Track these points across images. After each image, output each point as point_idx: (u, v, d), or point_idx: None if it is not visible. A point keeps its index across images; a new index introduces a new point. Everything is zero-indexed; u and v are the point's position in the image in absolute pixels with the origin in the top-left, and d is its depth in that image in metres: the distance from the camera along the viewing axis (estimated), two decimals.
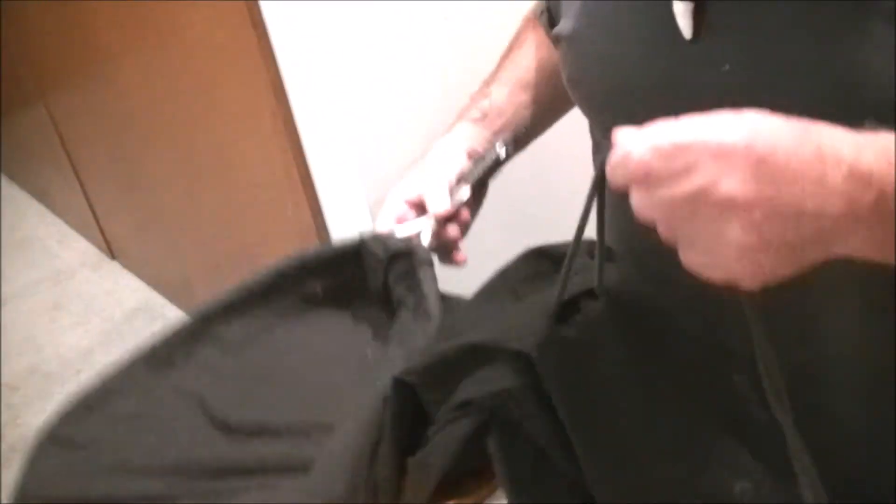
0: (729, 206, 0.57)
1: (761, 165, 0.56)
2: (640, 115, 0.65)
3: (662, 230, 0.61)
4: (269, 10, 1.54)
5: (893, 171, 0.58)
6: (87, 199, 2.94)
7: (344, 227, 1.76)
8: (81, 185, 2.91)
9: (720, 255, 0.59)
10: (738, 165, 0.57)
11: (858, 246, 0.60)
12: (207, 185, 2.17)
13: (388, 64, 1.57)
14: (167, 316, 2.79)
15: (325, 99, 1.53)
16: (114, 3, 2.02)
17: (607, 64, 0.84)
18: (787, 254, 0.59)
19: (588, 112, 0.91)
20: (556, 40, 0.93)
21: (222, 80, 1.81)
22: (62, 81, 2.63)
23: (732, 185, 0.56)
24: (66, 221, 3.31)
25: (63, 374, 2.66)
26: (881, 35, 0.68)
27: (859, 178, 0.57)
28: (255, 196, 1.97)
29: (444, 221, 0.99)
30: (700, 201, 0.58)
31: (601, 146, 0.73)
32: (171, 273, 2.76)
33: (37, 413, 2.52)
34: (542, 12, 1.04)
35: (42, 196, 3.45)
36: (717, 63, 0.75)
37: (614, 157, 0.60)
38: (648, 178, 0.59)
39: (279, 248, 1.99)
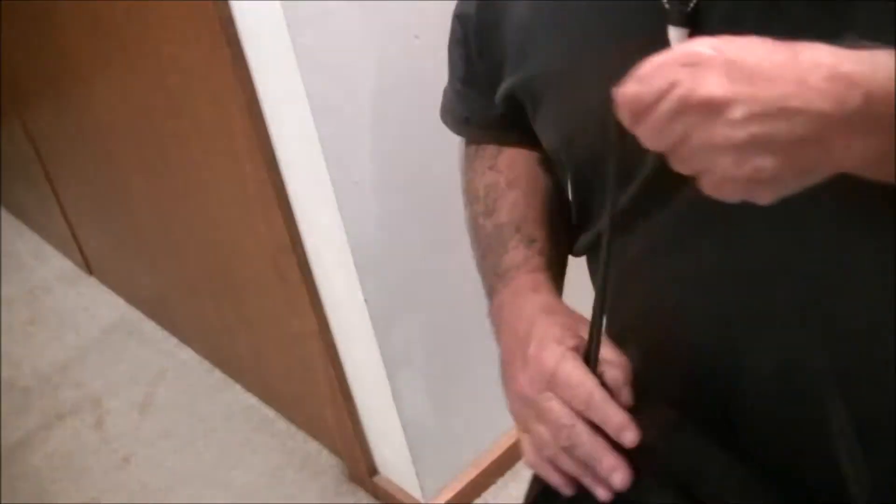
0: (709, 107, 0.59)
1: (733, 66, 0.59)
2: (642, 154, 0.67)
3: (674, 161, 0.64)
4: (243, 29, 1.55)
5: (879, 76, 0.59)
6: (64, 215, 2.94)
7: (318, 243, 1.78)
8: (58, 200, 2.91)
9: (719, 164, 0.61)
10: (711, 69, 0.59)
11: (861, 155, 0.61)
12: (182, 201, 2.18)
13: (363, 83, 1.58)
14: (144, 331, 2.80)
15: (299, 116, 1.54)
16: (89, 21, 2.03)
17: (601, 107, 0.83)
18: (786, 155, 0.60)
19: (585, 165, 0.89)
20: (532, 102, 0.91)
21: (196, 98, 1.82)
22: (39, 98, 2.63)
23: (708, 86, 0.59)
24: (43, 237, 3.31)
25: (40, 389, 2.66)
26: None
27: (841, 78, 0.59)
28: (230, 212, 1.98)
29: None
30: (685, 112, 0.60)
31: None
32: (148, 289, 2.76)
33: (14, 428, 2.53)
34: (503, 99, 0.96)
35: (19, 212, 3.44)
36: None
37: (616, 101, 0.64)
38: (640, 106, 0.62)
39: (254, 264, 2.00)
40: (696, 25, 0.74)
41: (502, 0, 0.90)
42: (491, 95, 0.96)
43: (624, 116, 0.64)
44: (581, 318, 0.84)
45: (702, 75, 0.60)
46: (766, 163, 0.60)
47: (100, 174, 2.53)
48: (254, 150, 1.68)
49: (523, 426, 0.83)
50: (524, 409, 0.82)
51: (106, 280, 3.01)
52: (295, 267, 1.82)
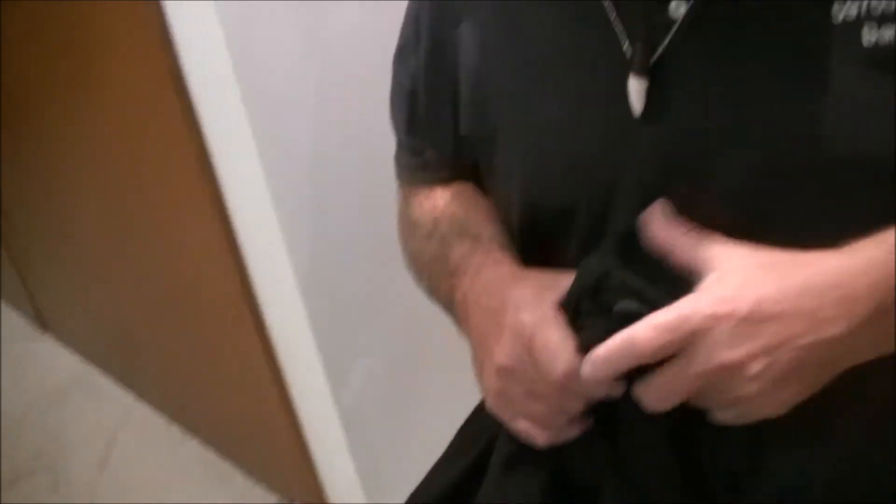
0: (726, 371, 0.63)
1: (746, 322, 0.63)
2: (597, 201, 0.71)
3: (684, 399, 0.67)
4: (193, 79, 1.55)
5: (878, 280, 0.64)
6: (17, 269, 2.91)
7: (271, 294, 1.77)
8: (10, 253, 2.89)
9: (744, 409, 0.66)
10: (724, 331, 0.63)
11: (863, 355, 0.67)
12: (136, 254, 2.17)
13: (311, 122, 1.58)
14: (101, 386, 2.76)
15: (247, 154, 1.54)
16: (37, 61, 2.03)
17: (560, 148, 0.83)
18: (803, 380, 0.65)
19: (544, 215, 0.87)
20: (484, 143, 0.90)
21: (147, 139, 1.81)
22: None
23: (721, 352, 0.63)
24: None
25: None
26: (845, 89, 0.70)
27: (849, 298, 0.64)
28: (184, 265, 1.98)
29: None
30: (703, 376, 0.64)
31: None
32: (104, 343, 2.73)
33: None
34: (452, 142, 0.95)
35: None
36: (669, 141, 0.76)
37: (628, 342, 0.66)
38: (651, 358, 0.65)
39: (209, 318, 1.99)
40: (658, 76, 0.75)
41: (452, 42, 0.90)
42: (441, 142, 0.95)
43: (628, 358, 0.66)
44: (556, 275, 0.81)
45: (717, 338, 0.63)
46: (787, 393, 0.65)
47: (52, 225, 2.51)
48: (205, 201, 1.68)
49: (509, 414, 0.82)
50: (507, 386, 0.80)
51: (62, 336, 2.97)
52: (249, 319, 1.81)
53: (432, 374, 1.89)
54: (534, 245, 0.89)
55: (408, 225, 1.01)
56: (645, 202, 0.76)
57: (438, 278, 0.94)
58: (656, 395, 0.66)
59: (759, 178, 0.73)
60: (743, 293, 0.64)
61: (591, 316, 0.74)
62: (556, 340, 0.74)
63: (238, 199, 1.67)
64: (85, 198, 2.26)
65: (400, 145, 1.02)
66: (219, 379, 2.19)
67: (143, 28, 1.56)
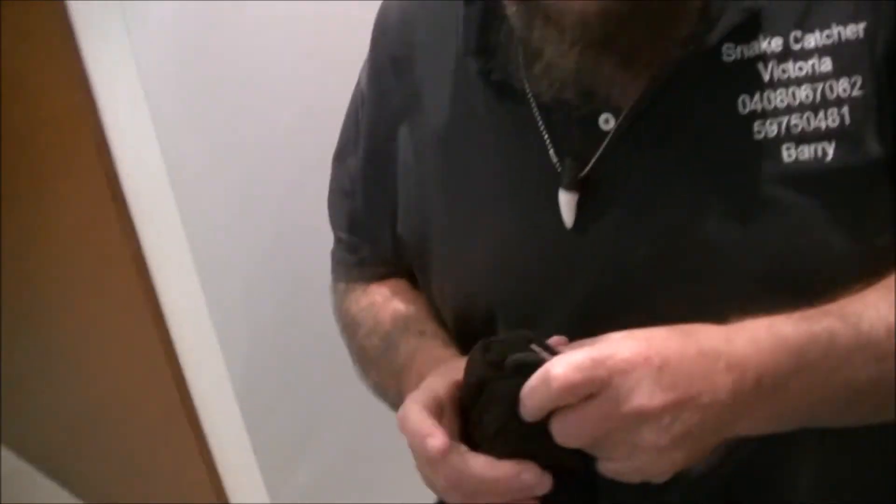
0: (640, 417, 0.63)
1: (662, 373, 0.63)
2: (527, 306, 0.72)
3: (583, 445, 0.66)
4: (128, 186, 1.55)
5: (764, 356, 0.65)
6: None
7: (206, 395, 1.75)
8: None
9: (639, 460, 0.64)
10: (643, 377, 0.63)
11: (753, 424, 0.67)
12: (68, 355, 2.15)
13: (248, 236, 1.58)
14: (37, 482, 2.70)
15: (185, 274, 1.54)
16: None
17: (492, 259, 0.84)
18: (695, 444, 0.65)
19: (469, 309, 0.88)
20: (419, 249, 0.91)
21: (82, 250, 1.81)
22: None
23: (641, 397, 0.62)
24: None
25: None
26: (770, 206, 0.73)
27: (737, 366, 0.64)
28: (119, 368, 1.96)
29: None
30: (614, 417, 0.63)
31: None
32: (39, 442, 2.68)
33: None
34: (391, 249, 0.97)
35: None
36: (599, 253, 0.77)
37: (532, 383, 0.64)
38: (568, 397, 0.63)
39: (144, 417, 1.96)
40: (589, 188, 0.77)
41: (391, 145, 0.91)
42: (380, 242, 0.96)
43: (543, 395, 0.65)
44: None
45: (635, 385, 0.63)
46: (679, 454, 0.64)
47: None
48: (140, 305, 1.66)
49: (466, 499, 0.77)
50: (429, 479, 0.75)
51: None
52: (183, 417, 1.78)
53: (375, 474, 1.87)
54: (467, 343, 0.87)
55: (348, 323, 1.00)
56: (574, 311, 0.78)
57: (385, 377, 0.93)
58: (567, 431, 0.65)
59: (684, 290, 0.75)
60: (652, 347, 0.64)
61: (489, 388, 0.70)
62: (414, 421, 0.69)
63: (175, 307, 1.67)
64: (12, 305, 2.25)
65: (338, 242, 1.03)
66: (153, 477, 2.16)
67: (82, 147, 1.57)
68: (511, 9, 0.76)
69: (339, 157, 0.99)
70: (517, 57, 0.78)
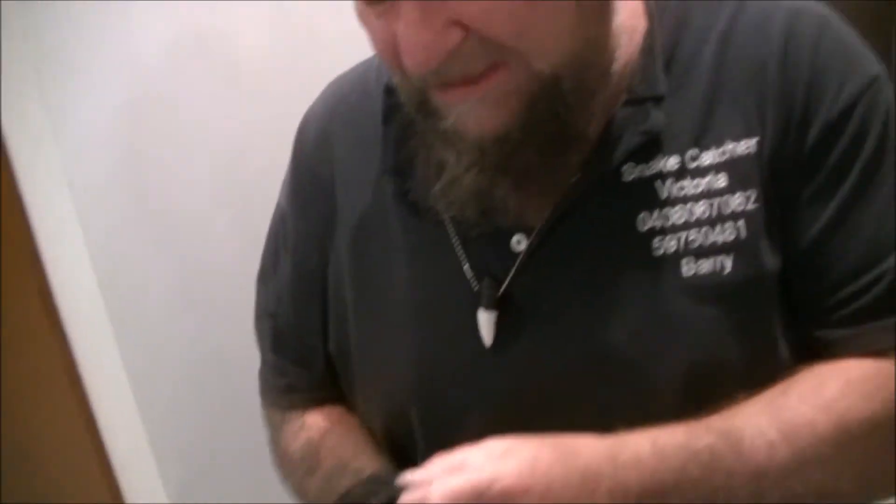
0: None
1: (544, 499, 0.65)
2: (449, 423, 0.73)
3: None
4: (64, 304, 1.54)
5: (646, 476, 0.67)
6: None
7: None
8: None
9: None
10: None
11: None
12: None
13: (180, 360, 1.58)
14: None
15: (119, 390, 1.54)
16: None
17: (412, 378, 0.85)
18: None
19: (393, 425, 0.89)
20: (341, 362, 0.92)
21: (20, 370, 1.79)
22: None
23: None
24: None
25: None
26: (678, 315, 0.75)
27: (618, 488, 0.66)
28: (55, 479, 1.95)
29: None
30: None
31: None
32: None
33: None
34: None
35: None
36: (517, 369, 0.79)
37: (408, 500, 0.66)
38: None
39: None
40: (506, 307, 0.78)
41: (314, 263, 0.91)
42: (307, 361, 0.95)
43: None
44: None
45: None
46: None
47: None
48: (74, 414, 1.65)
49: None
50: None
51: None
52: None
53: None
54: (399, 459, 0.90)
55: (286, 460, 0.99)
56: (493, 423, 0.78)
57: None
58: None
59: (594, 401, 0.76)
60: (536, 472, 0.65)
61: None
62: None
63: (110, 418, 1.64)
64: None
65: (264, 363, 1.01)
66: None
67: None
68: (419, 129, 0.77)
69: (263, 277, 0.99)
70: (429, 176, 0.78)
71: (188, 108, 1.63)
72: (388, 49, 0.69)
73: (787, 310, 0.76)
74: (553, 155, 0.73)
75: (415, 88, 0.72)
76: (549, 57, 0.69)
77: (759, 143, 0.74)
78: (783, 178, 0.74)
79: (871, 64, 0.76)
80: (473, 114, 0.70)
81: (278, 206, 0.97)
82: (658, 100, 0.75)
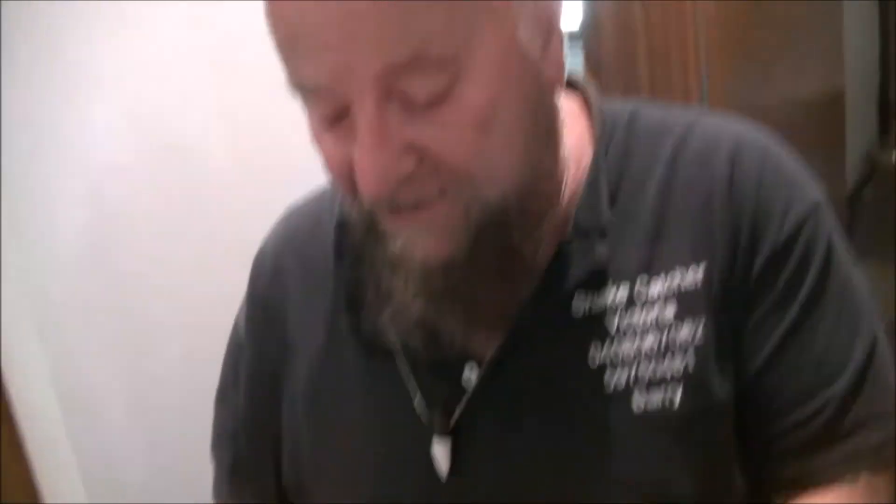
0: None
1: None
2: None
3: None
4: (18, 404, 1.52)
5: None
6: None
7: None
8: None
9: None
10: None
11: None
12: None
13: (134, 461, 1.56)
14: None
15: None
16: None
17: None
18: None
19: None
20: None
21: None
22: None
23: None
24: None
25: None
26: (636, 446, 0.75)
27: None
28: None
29: None
30: None
31: None
32: None
33: None
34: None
35: None
36: (473, 500, 0.79)
37: None
38: None
39: None
40: (459, 438, 0.78)
41: (270, 390, 0.91)
42: (263, 488, 0.94)
43: None
44: None
45: None
46: None
47: None
48: None
49: None
50: None
51: None
52: None
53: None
54: None
55: None
56: None
57: None
58: None
59: None
60: None
61: None
62: None
63: None
64: None
65: (220, 484, 1.00)
66: None
67: None
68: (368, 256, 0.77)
69: (221, 398, 0.98)
70: (379, 305, 0.78)
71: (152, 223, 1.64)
72: (343, 173, 0.68)
73: (742, 440, 0.77)
74: (499, 282, 0.74)
75: (365, 212, 0.72)
76: (499, 185, 0.69)
77: (707, 272, 0.75)
78: (731, 306, 0.75)
79: (813, 190, 0.78)
80: (421, 239, 0.71)
81: (236, 325, 0.97)
82: (602, 232, 0.76)
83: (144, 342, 1.66)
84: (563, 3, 0.72)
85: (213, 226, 1.82)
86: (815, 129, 3.01)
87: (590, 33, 2.35)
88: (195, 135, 1.77)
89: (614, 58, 2.31)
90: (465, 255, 0.71)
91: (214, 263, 1.75)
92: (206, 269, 1.75)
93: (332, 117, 0.67)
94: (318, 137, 0.70)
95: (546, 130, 0.74)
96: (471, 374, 0.79)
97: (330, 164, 0.71)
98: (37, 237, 1.59)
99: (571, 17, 3.28)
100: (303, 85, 0.65)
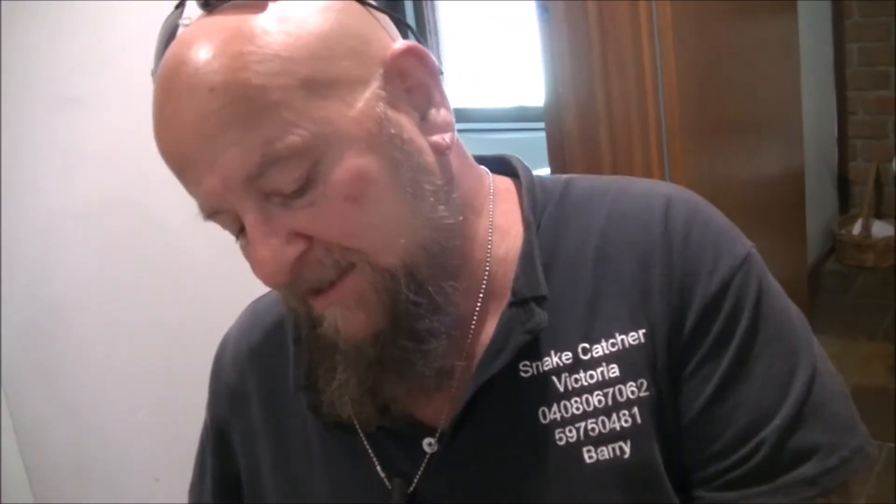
0: None
1: None
2: None
3: None
4: None
5: None
6: None
7: None
8: None
9: None
10: None
11: None
12: None
13: None
14: None
15: None
16: None
17: None
18: None
19: None
20: None
21: None
22: None
23: None
24: None
25: None
26: None
27: None
28: None
29: None
30: None
31: None
32: None
33: None
34: None
35: None
36: None
37: None
38: None
39: None
40: (417, 502, 0.80)
41: (237, 474, 0.93)
42: None
43: None
44: None
45: None
46: None
47: None
48: None
49: None
50: None
51: None
52: None
53: None
54: None
55: None
56: None
57: None
58: None
59: None
60: None
61: None
62: None
63: None
64: None
65: None
66: None
67: None
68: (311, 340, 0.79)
69: (194, 487, 0.99)
70: (329, 383, 0.80)
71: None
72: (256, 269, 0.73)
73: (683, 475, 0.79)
74: (427, 342, 0.75)
75: (298, 298, 0.76)
76: (392, 252, 0.73)
77: (647, 334, 0.78)
78: (671, 364, 0.78)
79: (741, 244, 0.80)
80: (341, 317, 0.74)
81: (204, 422, 0.99)
82: (540, 300, 0.79)
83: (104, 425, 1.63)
84: (439, 76, 0.76)
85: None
86: (776, 205, 3.06)
87: (552, 111, 2.38)
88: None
89: (576, 136, 2.33)
90: (386, 321, 0.74)
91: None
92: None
93: (239, 231, 0.73)
94: (242, 251, 0.76)
95: (436, 190, 0.76)
96: (433, 444, 0.80)
97: (253, 269, 0.75)
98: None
99: (535, 94, 3.33)
100: (205, 211, 0.72)
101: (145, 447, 1.81)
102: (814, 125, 3.82)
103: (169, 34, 0.73)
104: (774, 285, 0.81)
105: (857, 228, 4.28)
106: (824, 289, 4.03)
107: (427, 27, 4.35)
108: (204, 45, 0.68)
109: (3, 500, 1.59)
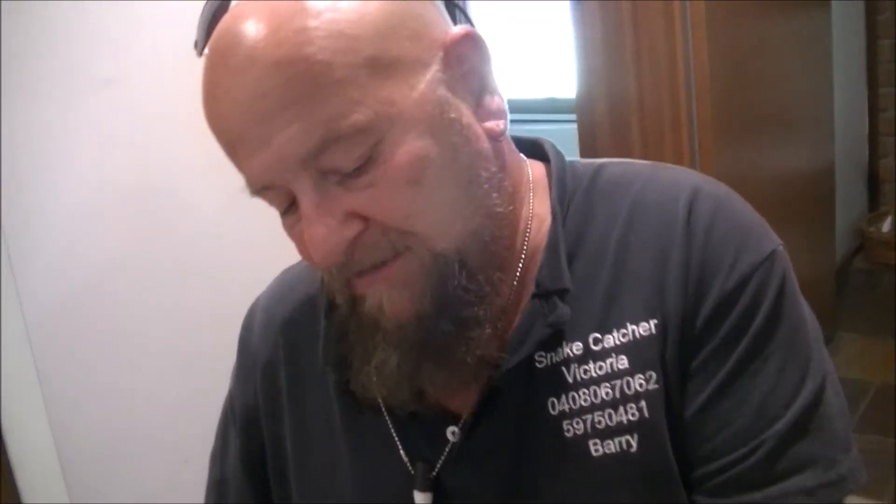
0: None
1: None
2: None
3: None
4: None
5: None
6: None
7: None
8: None
9: None
10: None
11: None
12: None
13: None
14: None
15: None
16: None
17: None
18: None
19: None
20: None
21: None
22: None
23: None
24: None
25: None
26: None
27: None
28: None
29: None
30: None
31: None
32: None
33: None
34: None
35: None
36: None
37: None
38: None
39: None
40: (439, 489, 0.81)
41: (262, 442, 0.93)
42: None
43: None
44: None
45: None
46: None
47: None
48: None
49: None
50: None
51: None
52: None
53: None
54: None
55: None
56: None
57: None
58: None
59: None
60: None
61: None
62: None
63: None
64: None
65: None
66: None
67: None
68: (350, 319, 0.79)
69: (215, 454, 0.99)
70: (362, 364, 0.80)
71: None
72: (307, 253, 0.73)
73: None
74: (472, 329, 0.75)
75: (341, 279, 0.76)
76: (448, 238, 0.73)
77: (659, 326, 0.77)
78: (681, 357, 0.77)
79: (768, 240, 0.79)
80: (387, 297, 0.74)
81: (229, 391, 0.99)
82: (563, 293, 0.79)
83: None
84: (492, 65, 0.77)
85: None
86: (805, 201, 3.05)
87: (584, 104, 2.38)
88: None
89: (608, 128, 2.34)
90: (431, 305, 0.73)
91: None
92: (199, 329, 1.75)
93: (287, 207, 0.73)
94: (285, 229, 0.75)
95: (490, 177, 0.76)
96: (456, 432, 0.81)
97: (298, 249, 0.75)
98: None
99: (565, 86, 3.33)
100: (254, 186, 0.71)
101: (174, 429, 1.82)
102: (844, 121, 3.79)
103: (216, 7, 0.72)
104: (793, 287, 0.79)
105: (886, 226, 4.25)
106: (851, 286, 4.00)
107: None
108: (265, 19, 0.67)
109: (35, 482, 1.62)
